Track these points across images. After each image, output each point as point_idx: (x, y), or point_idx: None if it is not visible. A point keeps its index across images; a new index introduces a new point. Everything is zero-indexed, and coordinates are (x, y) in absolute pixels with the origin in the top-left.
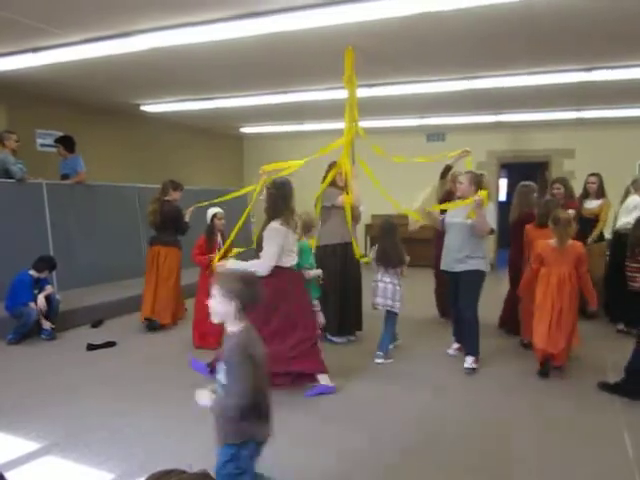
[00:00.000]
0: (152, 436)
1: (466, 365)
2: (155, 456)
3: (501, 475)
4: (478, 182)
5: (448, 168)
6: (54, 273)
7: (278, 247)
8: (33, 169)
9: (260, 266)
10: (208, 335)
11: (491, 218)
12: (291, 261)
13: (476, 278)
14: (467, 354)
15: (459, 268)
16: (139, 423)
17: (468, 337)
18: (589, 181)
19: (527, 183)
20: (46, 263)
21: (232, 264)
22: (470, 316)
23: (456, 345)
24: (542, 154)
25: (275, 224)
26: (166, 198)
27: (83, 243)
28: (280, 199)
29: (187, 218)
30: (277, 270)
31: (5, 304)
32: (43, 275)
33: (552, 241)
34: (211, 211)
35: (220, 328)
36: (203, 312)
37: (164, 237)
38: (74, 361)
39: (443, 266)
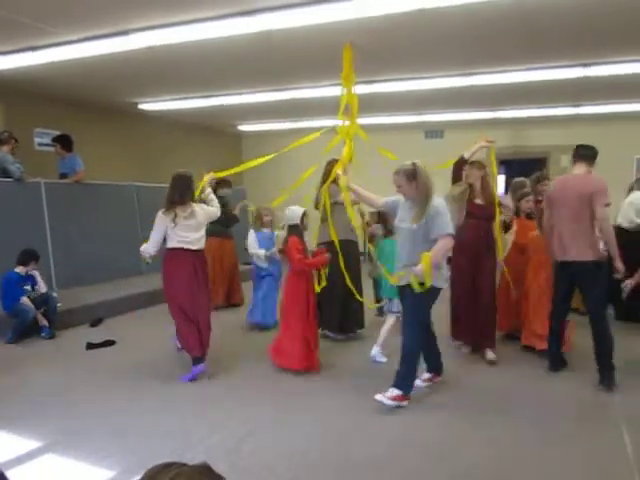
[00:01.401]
0: (152, 433)
1: (379, 398)
2: (155, 453)
3: (500, 475)
4: (414, 175)
5: (462, 162)
6: (52, 272)
7: (159, 231)
8: (31, 168)
9: (147, 247)
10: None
11: (444, 220)
12: (179, 244)
13: (421, 298)
14: (394, 385)
15: (405, 281)
16: (139, 420)
17: (403, 365)
18: None
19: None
20: (29, 255)
21: (143, 247)
22: (407, 340)
23: (427, 375)
24: (540, 150)
25: (159, 212)
26: (217, 194)
27: (82, 242)
28: (170, 190)
29: (236, 211)
30: (168, 251)
31: (2, 305)
32: (30, 268)
33: (535, 232)
34: (299, 210)
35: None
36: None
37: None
38: (73, 360)
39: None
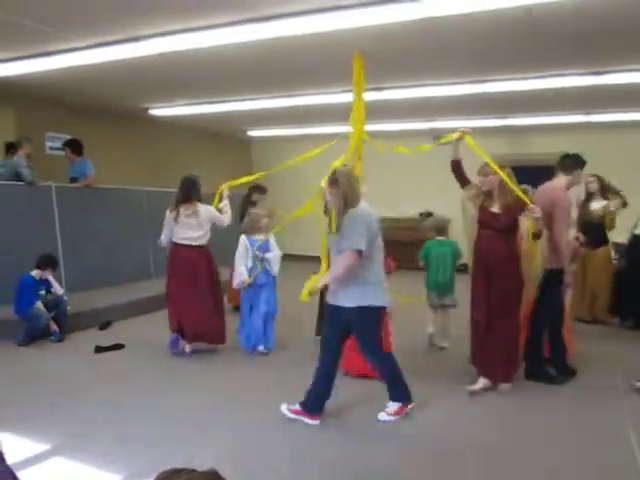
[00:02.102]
0: (158, 437)
1: (382, 418)
2: (162, 457)
3: (507, 476)
4: (335, 181)
5: (455, 163)
6: (62, 275)
7: (167, 226)
8: (42, 172)
9: (161, 239)
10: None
11: (352, 233)
12: (179, 240)
13: (365, 320)
14: (391, 399)
15: (333, 300)
16: (145, 425)
17: (387, 381)
18: (588, 181)
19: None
20: (48, 260)
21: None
22: (374, 360)
23: (295, 407)
24: (547, 157)
25: (167, 210)
26: (251, 199)
27: (91, 246)
28: (177, 191)
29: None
30: (171, 244)
31: (15, 308)
32: (46, 274)
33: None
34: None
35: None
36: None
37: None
38: (82, 363)
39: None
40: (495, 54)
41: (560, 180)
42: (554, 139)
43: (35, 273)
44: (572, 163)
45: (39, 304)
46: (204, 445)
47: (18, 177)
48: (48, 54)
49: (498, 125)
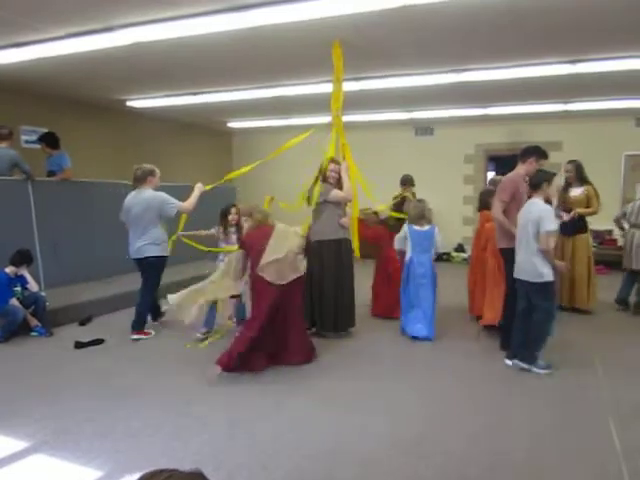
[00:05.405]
0: (140, 432)
1: None
2: (143, 452)
3: (487, 474)
4: None
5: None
6: (40, 271)
7: None
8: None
9: None
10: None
11: None
12: None
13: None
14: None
15: None
16: (127, 419)
17: None
18: (565, 169)
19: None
20: (22, 257)
21: None
22: None
23: None
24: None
25: None
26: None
27: (70, 240)
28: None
29: None
30: None
31: None
32: (21, 271)
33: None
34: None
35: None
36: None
37: None
38: (62, 359)
39: None
40: (475, 43)
41: (518, 169)
42: (537, 128)
43: (9, 270)
44: (526, 152)
45: (14, 300)
46: (187, 440)
47: (10, 170)
48: (21, 45)
49: (481, 114)
